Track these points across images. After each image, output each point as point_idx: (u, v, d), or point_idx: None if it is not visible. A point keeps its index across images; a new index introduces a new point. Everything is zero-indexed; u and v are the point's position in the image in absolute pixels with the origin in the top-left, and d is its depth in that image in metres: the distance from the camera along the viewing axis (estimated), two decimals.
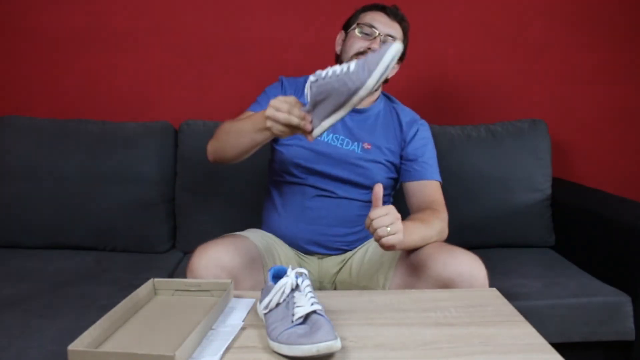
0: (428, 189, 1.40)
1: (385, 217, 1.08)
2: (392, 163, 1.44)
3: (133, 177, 1.87)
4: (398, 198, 1.51)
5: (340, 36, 1.49)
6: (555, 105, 2.24)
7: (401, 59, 1.42)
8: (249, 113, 1.37)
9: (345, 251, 1.43)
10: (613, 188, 2.15)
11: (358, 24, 1.41)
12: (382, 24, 1.40)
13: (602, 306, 1.55)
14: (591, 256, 1.78)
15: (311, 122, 1.08)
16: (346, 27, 1.48)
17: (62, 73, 2.11)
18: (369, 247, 1.40)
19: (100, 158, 1.87)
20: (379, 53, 1.01)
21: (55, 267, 1.70)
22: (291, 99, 1.10)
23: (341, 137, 1.42)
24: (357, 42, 1.40)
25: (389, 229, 1.07)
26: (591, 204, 1.87)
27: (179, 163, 1.95)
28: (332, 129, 1.31)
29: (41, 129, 1.90)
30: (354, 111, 1.34)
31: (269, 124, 1.11)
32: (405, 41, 1.45)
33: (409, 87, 2.14)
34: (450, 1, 2.17)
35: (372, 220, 1.09)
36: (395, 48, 1.01)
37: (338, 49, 1.49)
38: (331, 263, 1.42)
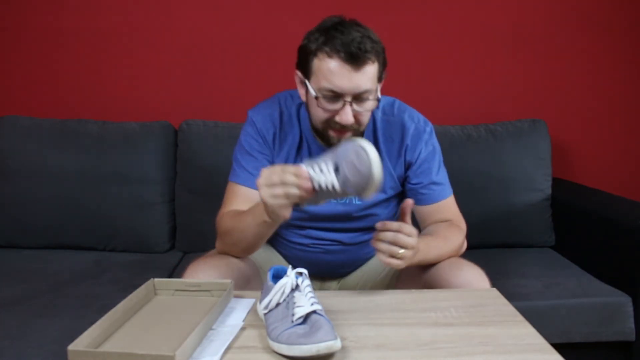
0: (442, 208, 1.26)
1: (408, 238, 1.02)
2: (396, 193, 1.30)
3: (133, 177, 1.87)
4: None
5: (297, 78, 1.18)
6: (555, 105, 2.24)
7: (380, 78, 1.15)
8: (234, 188, 1.23)
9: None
10: (613, 188, 2.15)
11: (319, 91, 1.10)
12: (347, 80, 1.06)
13: (602, 306, 1.55)
14: (591, 256, 1.78)
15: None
16: (300, 66, 1.15)
17: (62, 73, 2.11)
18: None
19: (100, 158, 1.87)
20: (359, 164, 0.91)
21: (55, 267, 1.70)
22: (277, 167, 0.97)
23: None
24: (323, 114, 1.12)
25: (401, 251, 1.01)
26: (591, 204, 1.87)
27: (179, 163, 1.95)
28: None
29: (41, 129, 1.90)
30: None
31: (270, 208, 0.98)
32: (383, 64, 1.13)
33: (409, 87, 2.14)
34: (451, 1, 2.17)
35: (395, 232, 1.01)
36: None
37: (302, 94, 1.19)
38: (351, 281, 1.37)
